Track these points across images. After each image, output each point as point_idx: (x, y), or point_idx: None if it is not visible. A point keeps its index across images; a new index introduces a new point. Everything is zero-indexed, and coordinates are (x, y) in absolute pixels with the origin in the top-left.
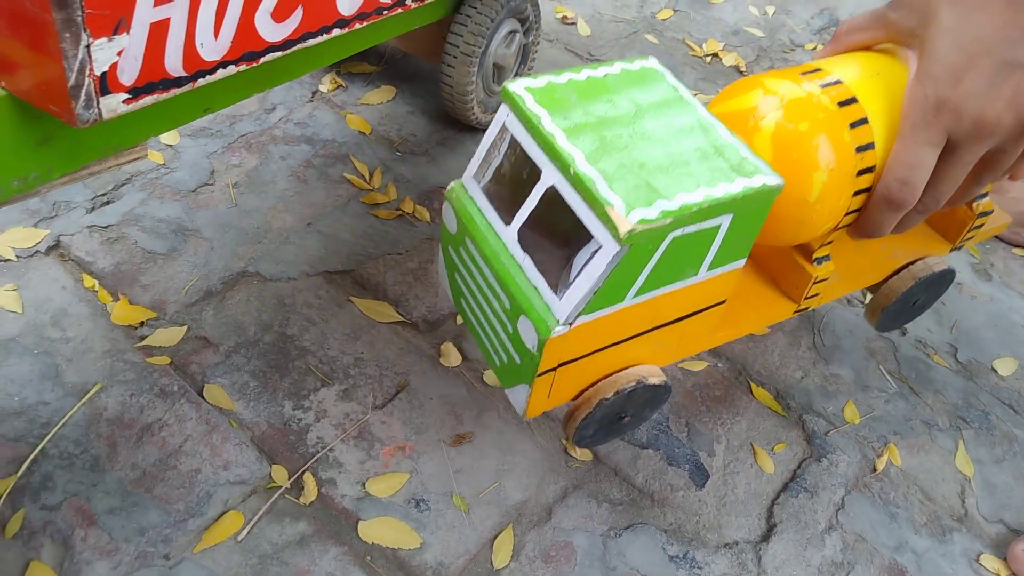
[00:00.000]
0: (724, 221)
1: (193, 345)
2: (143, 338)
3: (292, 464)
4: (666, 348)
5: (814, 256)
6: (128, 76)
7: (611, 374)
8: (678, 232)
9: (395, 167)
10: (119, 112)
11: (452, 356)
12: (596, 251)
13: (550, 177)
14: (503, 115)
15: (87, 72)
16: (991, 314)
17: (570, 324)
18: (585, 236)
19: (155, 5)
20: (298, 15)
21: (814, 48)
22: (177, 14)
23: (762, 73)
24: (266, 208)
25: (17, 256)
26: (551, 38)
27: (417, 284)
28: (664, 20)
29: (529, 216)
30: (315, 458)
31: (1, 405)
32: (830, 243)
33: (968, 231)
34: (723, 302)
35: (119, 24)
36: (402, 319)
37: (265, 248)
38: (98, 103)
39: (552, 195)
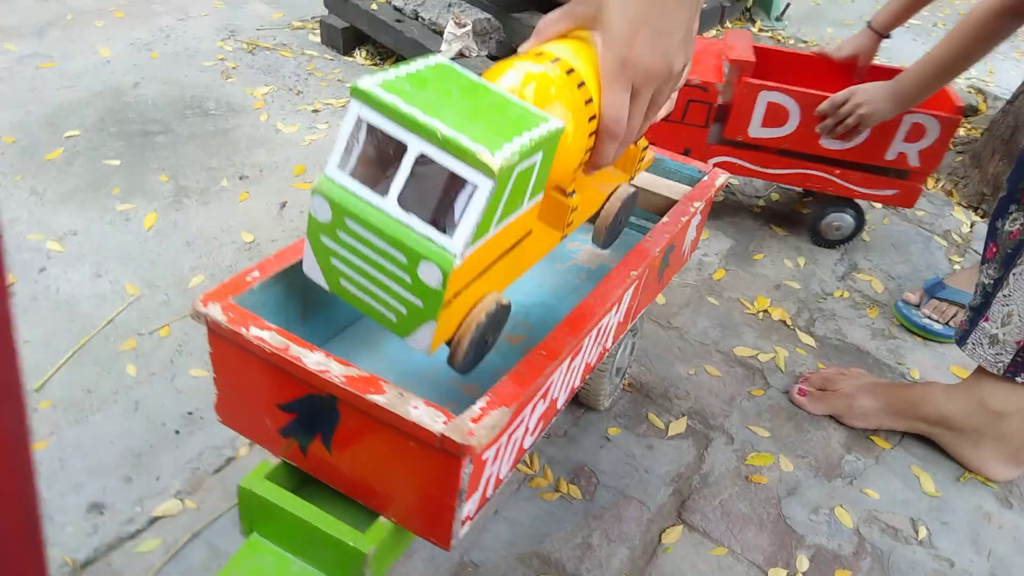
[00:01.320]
0: (537, 159)
1: None
2: None
3: None
4: (501, 276)
5: (568, 191)
6: (470, 510)
7: (478, 302)
8: (520, 166)
9: (545, 450)
10: (461, 534)
11: None
12: (474, 191)
13: (417, 147)
14: (356, 109)
15: (463, 521)
16: (1020, 540)
17: (463, 256)
18: (453, 184)
19: (493, 463)
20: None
21: (842, 295)
22: (495, 471)
23: (508, 59)
24: None
25: None
26: None
27: (585, 557)
28: (719, 280)
29: (402, 184)
30: None
31: None
32: (574, 181)
33: (638, 163)
34: (530, 232)
35: (476, 491)
36: None
37: (472, 539)
38: (459, 534)
39: (419, 159)
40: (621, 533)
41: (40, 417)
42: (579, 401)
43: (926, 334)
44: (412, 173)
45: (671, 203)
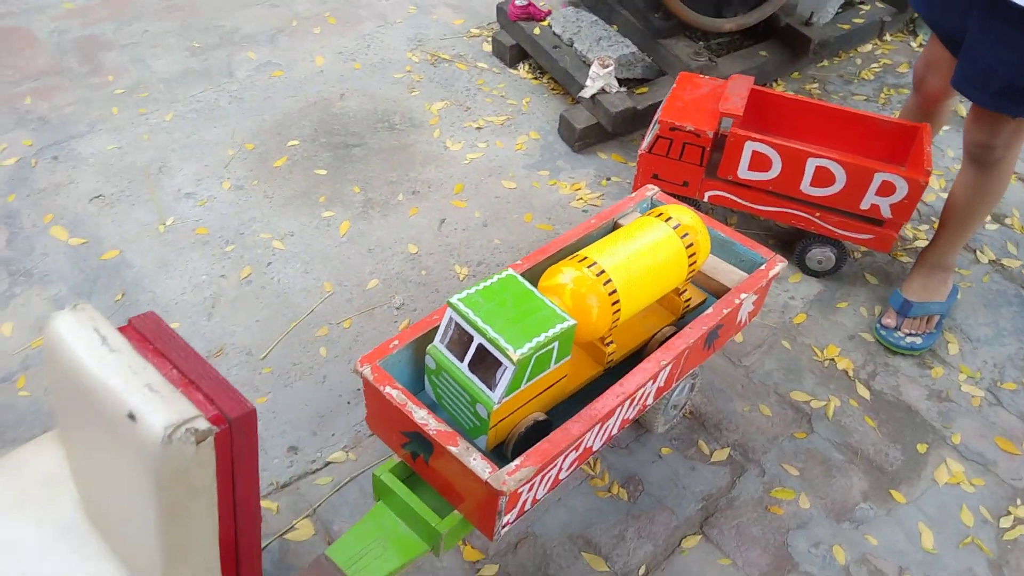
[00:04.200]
0: (555, 345)
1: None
2: (478, 571)
3: None
4: (545, 403)
5: (606, 342)
6: (511, 519)
7: (520, 421)
8: (538, 353)
9: (607, 457)
10: (502, 532)
11: None
12: (504, 368)
13: (477, 339)
14: (449, 313)
15: (503, 525)
16: None
17: (499, 402)
18: (496, 362)
19: (528, 490)
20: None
21: (912, 352)
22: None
23: (561, 263)
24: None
25: None
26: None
27: (618, 545)
28: (798, 324)
29: (470, 357)
30: None
31: None
32: (612, 335)
33: (683, 306)
34: (565, 376)
35: (513, 510)
36: (607, 569)
37: (536, 517)
38: (500, 532)
39: (478, 346)
40: (651, 533)
41: (262, 379)
42: (640, 425)
43: (914, 352)
44: (476, 351)
45: (719, 285)
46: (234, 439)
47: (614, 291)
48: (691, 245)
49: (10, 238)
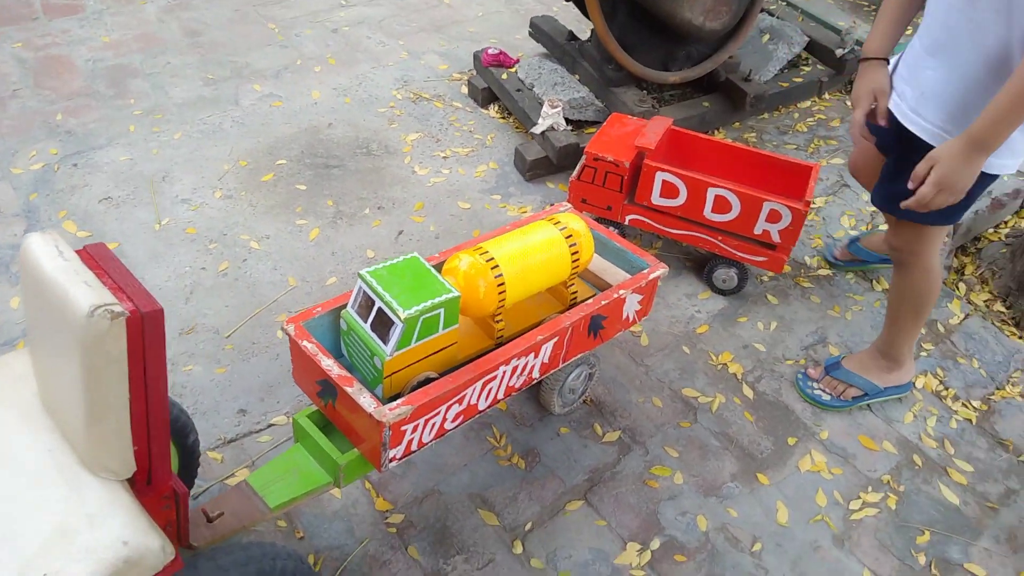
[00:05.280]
0: (440, 311)
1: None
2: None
3: None
4: (438, 364)
5: (495, 319)
6: (397, 454)
7: (412, 376)
8: (425, 315)
9: (512, 432)
10: (390, 467)
11: (518, 547)
12: (395, 326)
13: (377, 303)
14: (359, 283)
15: (389, 460)
16: (835, 574)
17: (390, 354)
18: (390, 321)
19: (413, 431)
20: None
21: (798, 362)
22: (418, 437)
23: (459, 251)
24: (448, 451)
25: None
26: (621, 344)
27: (510, 505)
28: (700, 334)
29: (372, 319)
30: None
31: None
32: (501, 314)
33: (570, 300)
34: (455, 344)
35: (398, 445)
36: (499, 524)
37: (441, 478)
38: (387, 465)
39: (378, 310)
40: (540, 496)
41: (224, 353)
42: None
43: (816, 403)
44: (376, 314)
45: (608, 286)
46: (145, 329)
47: (500, 275)
48: (575, 245)
49: (27, 228)
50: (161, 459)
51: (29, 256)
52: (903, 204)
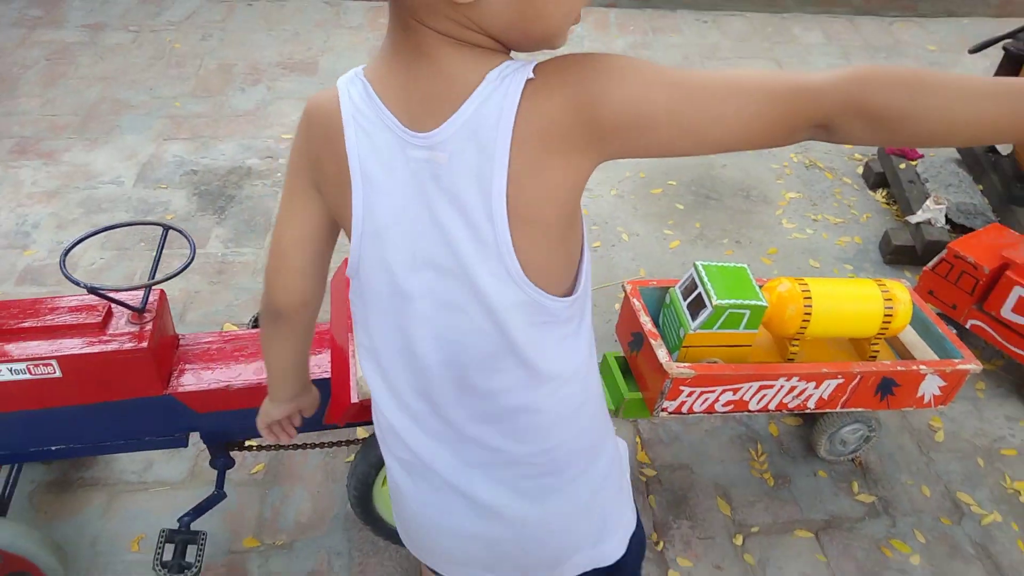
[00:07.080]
0: (746, 312)
1: None
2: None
3: None
4: (727, 356)
5: (792, 343)
6: (670, 407)
7: (702, 358)
8: (731, 310)
9: (775, 457)
10: (660, 416)
11: (739, 539)
12: (705, 309)
13: (698, 290)
14: (691, 271)
15: (662, 408)
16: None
17: (693, 329)
18: (703, 304)
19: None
20: None
21: None
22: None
23: (783, 278)
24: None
25: None
26: (913, 431)
27: (748, 506)
28: (1004, 455)
29: (691, 299)
30: None
31: None
32: (799, 340)
33: (868, 357)
34: (749, 346)
35: (673, 402)
36: (730, 515)
37: (701, 461)
38: (659, 413)
39: (697, 294)
40: (776, 512)
41: None
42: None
43: None
44: (695, 298)
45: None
46: None
47: (809, 305)
48: (890, 309)
49: None
50: None
51: None
52: None
